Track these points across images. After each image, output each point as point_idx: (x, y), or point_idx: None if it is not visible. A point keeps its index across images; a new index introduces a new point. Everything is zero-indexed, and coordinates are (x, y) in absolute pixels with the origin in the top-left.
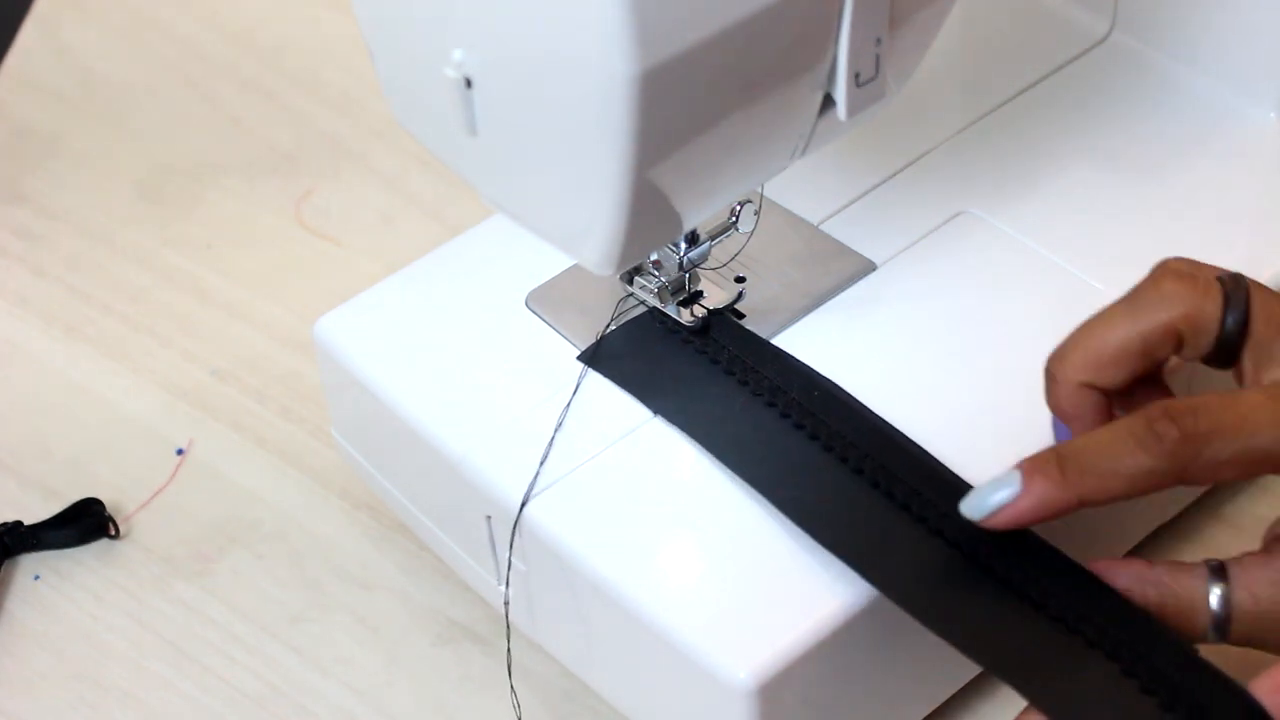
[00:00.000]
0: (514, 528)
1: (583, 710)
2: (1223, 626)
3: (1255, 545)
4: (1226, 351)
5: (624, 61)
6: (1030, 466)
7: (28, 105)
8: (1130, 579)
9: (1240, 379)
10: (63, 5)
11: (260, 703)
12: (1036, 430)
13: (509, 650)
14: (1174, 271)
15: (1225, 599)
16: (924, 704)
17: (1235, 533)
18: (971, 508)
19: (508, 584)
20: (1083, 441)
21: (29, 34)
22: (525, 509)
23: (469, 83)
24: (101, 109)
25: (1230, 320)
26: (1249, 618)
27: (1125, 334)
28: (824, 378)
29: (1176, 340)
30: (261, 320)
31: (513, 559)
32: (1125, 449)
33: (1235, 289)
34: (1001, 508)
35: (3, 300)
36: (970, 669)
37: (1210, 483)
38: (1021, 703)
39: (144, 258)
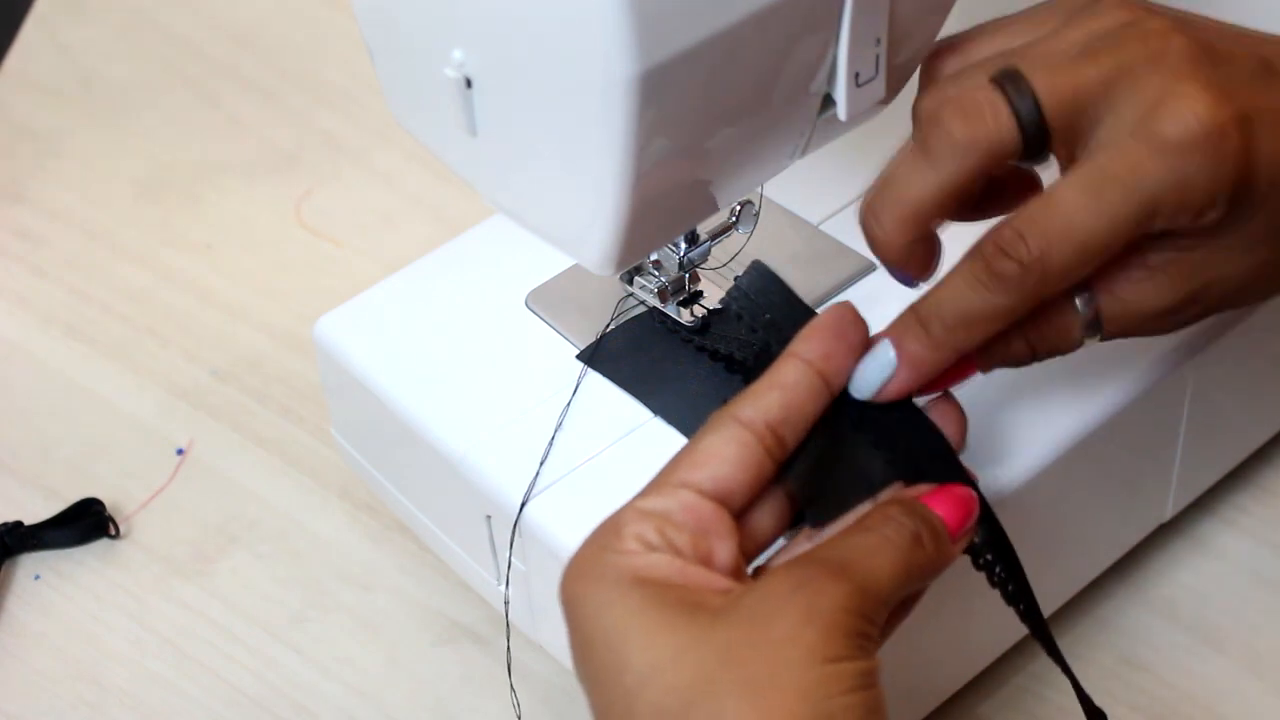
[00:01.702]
0: (514, 528)
1: (583, 710)
2: (1095, 326)
3: (1255, 544)
4: (1035, 150)
5: (624, 61)
6: (897, 336)
7: (28, 105)
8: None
9: (1061, 165)
10: (63, 5)
11: (260, 703)
12: (1035, 429)
13: (509, 650)
14: (955, 106)
15: (1090, 303)
16: (925, 702)
17: (1236, 532)
18: (859, 389)
19: (508, 584)
20: (936, 297)
21: (29, 34)
22: (525, 509)
23: (469, 83)
24: (101, 109)
25: (1029, 130)
26: (1119, 319)
27: (933, 191)
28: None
29: (985, 175)
30: (261, 320)
31: (513, 559)
32: (978, 296)
33: (1018, 94)
34: (887, 382)
35: (3, 300)
36: (968, 673)
37: (1068, 286)
38: (1033, 694)
39: (144, 258)
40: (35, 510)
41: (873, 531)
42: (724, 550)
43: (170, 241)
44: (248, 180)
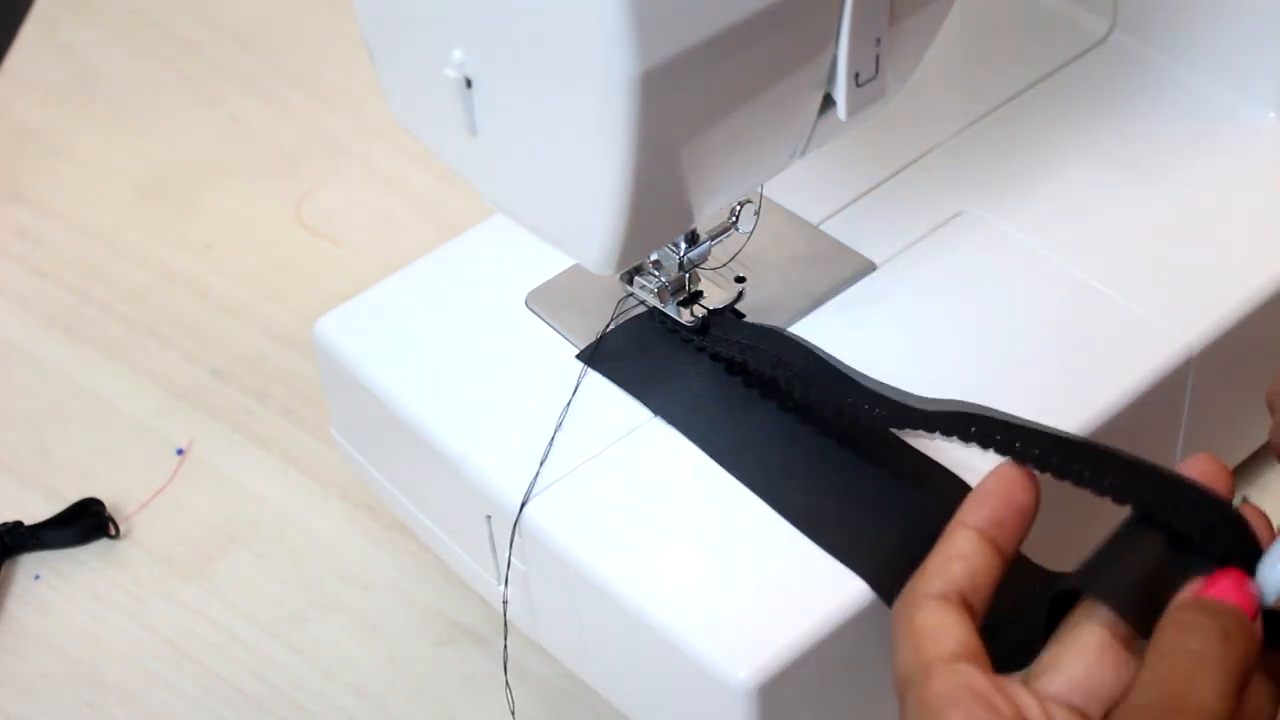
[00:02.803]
0: (514, 528)
1: (583, 710)
2: None
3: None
4: None
5: (624, 62)
6: None
7: (28, 105)
8: None
9: None
10: (63, 5)
11: (260, 703)
12: None
13: (505, 649)
14: None
15: None
16: None
17: None
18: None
19: (507, 584)
20: None
21: (29, 34)
22: (525, 509)
23: (469, 83)
24: (101, 109)
25: None
26: None
27: None
28: (829, 362)
29: None
30: (261, 320)
31: (513, 559)
32: None
33: None
34: None
35: (3, 300)
36: None
37: None
38: None
39: (144, 258)
40: (35, 510)
41: (1177, 651)
42: None
43: (170, 241)
44: (248, 180)
